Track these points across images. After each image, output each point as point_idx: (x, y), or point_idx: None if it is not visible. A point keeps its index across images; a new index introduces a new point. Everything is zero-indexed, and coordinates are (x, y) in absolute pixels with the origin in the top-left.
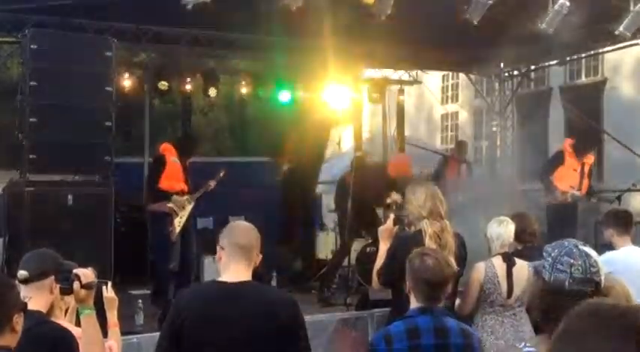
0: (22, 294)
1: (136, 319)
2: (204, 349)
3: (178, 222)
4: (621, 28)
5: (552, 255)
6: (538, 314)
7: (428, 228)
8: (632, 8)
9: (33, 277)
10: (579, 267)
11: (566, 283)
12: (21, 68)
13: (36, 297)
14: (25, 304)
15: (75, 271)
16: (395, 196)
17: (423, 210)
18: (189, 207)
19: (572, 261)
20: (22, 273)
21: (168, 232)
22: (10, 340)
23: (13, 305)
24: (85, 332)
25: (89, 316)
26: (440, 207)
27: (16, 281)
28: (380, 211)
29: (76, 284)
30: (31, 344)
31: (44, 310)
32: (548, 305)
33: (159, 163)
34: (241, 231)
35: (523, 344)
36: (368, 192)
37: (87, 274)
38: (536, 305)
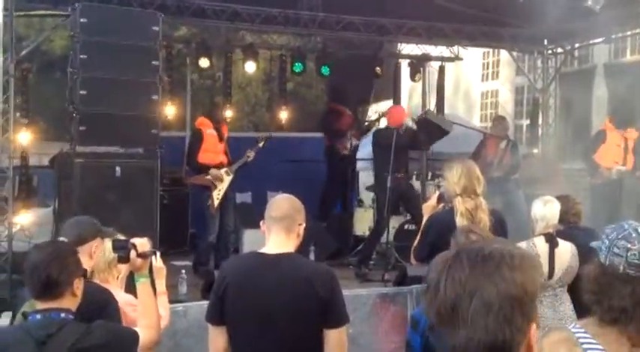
0: None
1: (179, 289)
2: (243, 317)
3: (217, 195)
4: (590, 2)
5: (610, 237)
6: (589, 296)
7: (460, 205)
8: None
9: (73, 243)
10: (636, 252)
11: (621, 267)
12: (67, 41)
13: None
14: (85, 270)
15: (132, 240)
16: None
17: (457, 187)
18: (227, 180)
19: (629, 245)
20: (62, 240)
21: (207, 205)
22: (71, 303)
23: (73, 271)
24: (141, 299)
25: (145, 283)
26: (476, 184)
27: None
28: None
29: (132, 253)
30: (82, 306)
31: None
32: (600, 288)
33: (196, 137)
34: (276, 203)
35: (573, 324)
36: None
37: (143, 243)
38: (588, 286)
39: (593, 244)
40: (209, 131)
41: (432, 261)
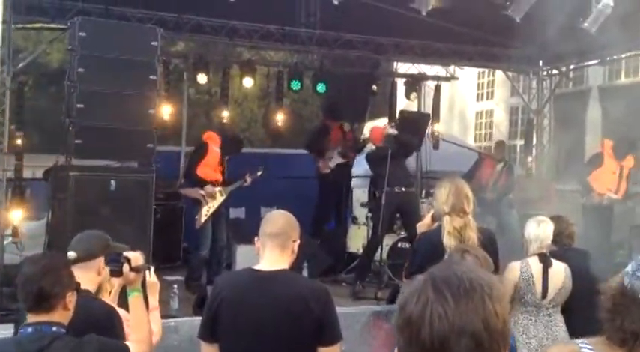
0: None
1: (171, 304)
2: (236, 334)
3: (206, 211)
4: (586, 24)
5: (639, 261)
6: (604, 313)
7: (448, 224)
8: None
9: (81, 258)
10: None
11: None
12: (64, 54)
13: (84, 277)
14: (79, 283)
15: (125, 254)
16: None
17: (445, 206)
18: (220, 199)
19: None
20: (71, 254)
21: (196, 219)
22: (63, 316)
23: (67, 284)
24: (133, 312)
25: (137, 297)
26: (464, 203)
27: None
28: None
29: (125, 267)
30: (80, 321)
31: (92, 290)
32: (616, 307)
33: (200, 149)
34: (271, 219)
35: (581, 340)
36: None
37: (136, 257)
38: (604, 304)
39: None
40: (215, 148)
41: (403, 290)
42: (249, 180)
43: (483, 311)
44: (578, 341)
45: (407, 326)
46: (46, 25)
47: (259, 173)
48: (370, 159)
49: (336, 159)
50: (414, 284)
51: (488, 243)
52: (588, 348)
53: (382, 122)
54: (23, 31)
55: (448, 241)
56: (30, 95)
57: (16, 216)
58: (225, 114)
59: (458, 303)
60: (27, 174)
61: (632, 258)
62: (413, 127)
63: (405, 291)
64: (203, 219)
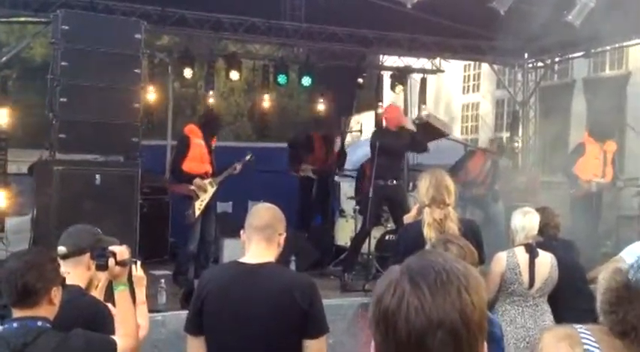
0: (61, 269)
1: (158, 298)
2: (222, 327)
3: (199, 205)
4: (570, 17)
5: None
6: (604, 305)
7: (428, 216)
8: None
9: (70, 253)
10: None
11: None
12: (48, 49)
13: (74, 272)
14: (64, 278)
15: (110, 248)
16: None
17: (425, 198)
18: (211, 191)
19: None
20: (60, 249)
21: (187, 214)
22: (48, 311)
23: (51, 279)
24: (119, 307)
25: (123, 292)
26: (444, 194)
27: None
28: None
29: (111, 261)
30: (69, 316)
31: (82, 285)
32: (619, 300)
33: (183, 145)
34: (257, 212)
35: (580, 326)
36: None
37: (122, 251)
38: (605, 295)
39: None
40: (197, 140)
41: (378, 280)
42: (238, 167)
43: (460, 303)
44: (577, 326)
45: (383, 321)
46: (29, 19)
47: (247, 158)
48: (372, 145)
49: (308, 173)
50: (390, 275)
51: (471, 234)
52: (586, 334)
53: (370, 115)
54: (6, 24)
55: (428, 232)
56: (13, 89)
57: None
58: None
59: (434, 296)
60: (12, 169)
61: (619, 248)
62: (429, 134)
63: (381, 283)
64: (197, 212)
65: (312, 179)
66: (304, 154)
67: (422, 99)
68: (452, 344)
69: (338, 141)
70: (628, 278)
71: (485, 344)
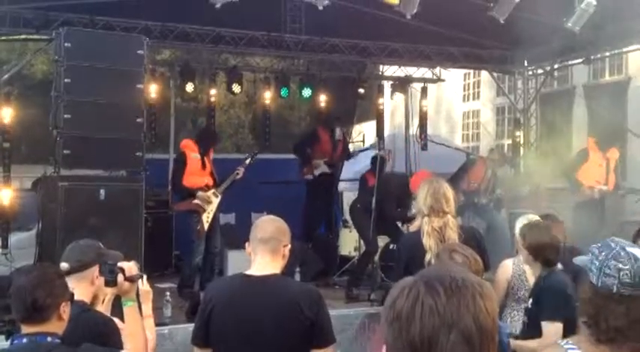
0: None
1: (164, 311)
2: (228, 339)
3: (207, 218)
4: (569, 24)
5: (600, 258)
6: (586, 318)
7: (426, 225)
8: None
9: (73, 269)
10: (628, 272)
11: (614, 288)
12: (50, 65)
13: (78, 288)
14: (72, 294)
15: (119, 264)
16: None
17: (424, 208)
18: (216, 201)
19: (620, 265)
20: (63, 265)
21: (196, 229)
22: (58, 327)
23: (60, 294)
24: (128, 322)
25: (132, 307)
26: (443, 203)
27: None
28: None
29: (120, 277)
30: (76, 332)
31: (87, 300)
32: (596, 309)
33: (180, 161)
34: (262, 224)
35: (565, 341)
36: (388, 198)
37: (130, 267)
38: (584, 308)
39: (578, 261)
40: (193, 155)
41: (391, 289)
42: (241, 170)
43: (474, 308)
44: (562, 342)
45: (396, 321)
46: (30, 36)
47: (248, 161)
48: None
49: (322, 168)
50: (404, 282)
51: (473, 241)
52: (573, 348)
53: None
54: (7, 42)
55: (427, 241)
56: (15, 106)
57: None
58: (213, 120)
59: (449, 298)
60: (15, 184)
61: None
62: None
63: (395, 289)
64: (206, 226)
65: (319, 183)
66: (312, 148)
67: (423, 108)
68: (464, 348)
69: (338, 130)
70: (594, 285)
71: None
